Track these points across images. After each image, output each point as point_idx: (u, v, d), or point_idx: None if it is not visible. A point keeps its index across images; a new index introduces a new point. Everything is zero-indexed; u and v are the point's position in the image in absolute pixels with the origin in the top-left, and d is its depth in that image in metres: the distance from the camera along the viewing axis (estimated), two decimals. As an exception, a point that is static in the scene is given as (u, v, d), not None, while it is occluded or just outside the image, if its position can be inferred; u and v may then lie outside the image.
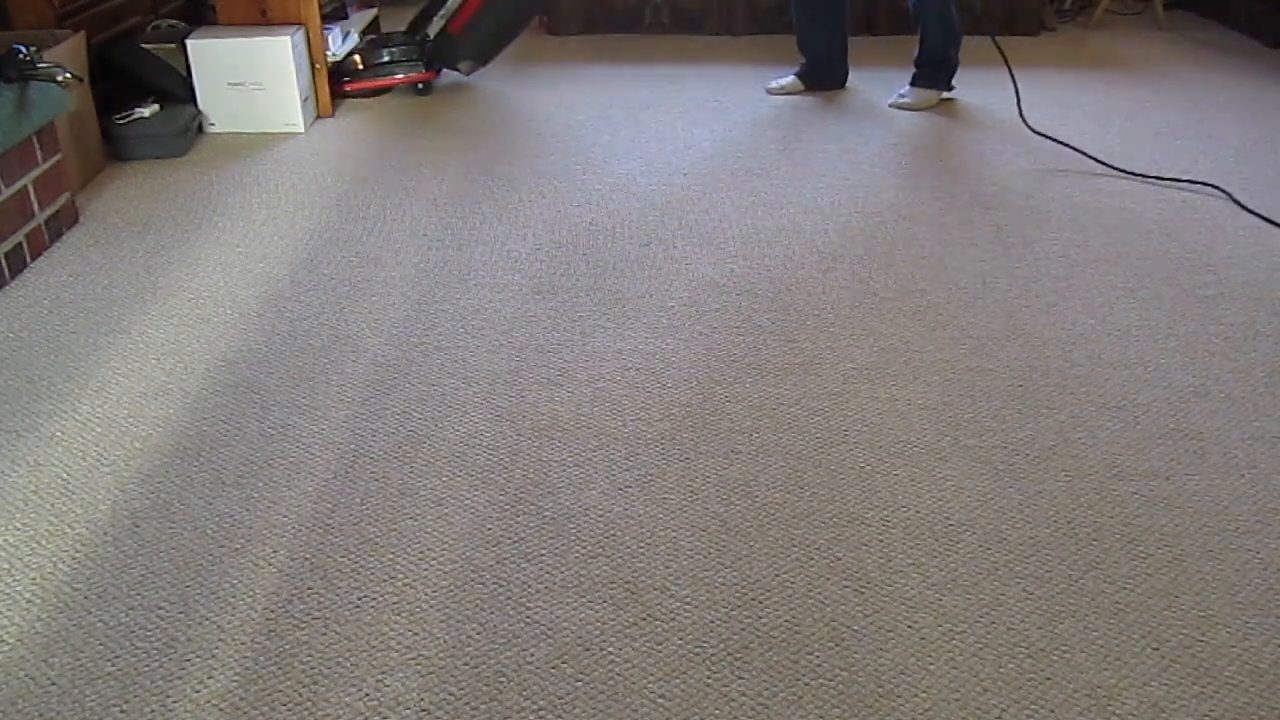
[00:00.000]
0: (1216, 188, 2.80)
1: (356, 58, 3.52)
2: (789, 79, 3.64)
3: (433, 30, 3.52)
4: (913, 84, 3.49)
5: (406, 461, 1.73)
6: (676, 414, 1.86)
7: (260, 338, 2.10)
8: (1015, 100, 3.27)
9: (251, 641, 1.38)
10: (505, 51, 3.75)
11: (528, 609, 1.44)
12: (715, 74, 3.84)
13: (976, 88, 3.66)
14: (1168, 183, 2.86)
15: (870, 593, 1.47)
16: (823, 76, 3.63)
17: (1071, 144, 3.06)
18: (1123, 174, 2.91)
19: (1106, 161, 2.98)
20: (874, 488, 1.68)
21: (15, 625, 1.41)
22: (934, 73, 3.46)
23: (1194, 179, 2.87)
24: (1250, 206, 2.70)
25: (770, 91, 3.63)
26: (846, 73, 3.66)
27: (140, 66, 3.14)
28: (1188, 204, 2.73)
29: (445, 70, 3.65)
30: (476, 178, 2.90)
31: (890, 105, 3.49)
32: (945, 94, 3.50)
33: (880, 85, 3.70)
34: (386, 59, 3.51)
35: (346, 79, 3.52)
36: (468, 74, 3.61)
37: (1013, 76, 3.31)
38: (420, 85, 3.57)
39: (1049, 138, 3.11)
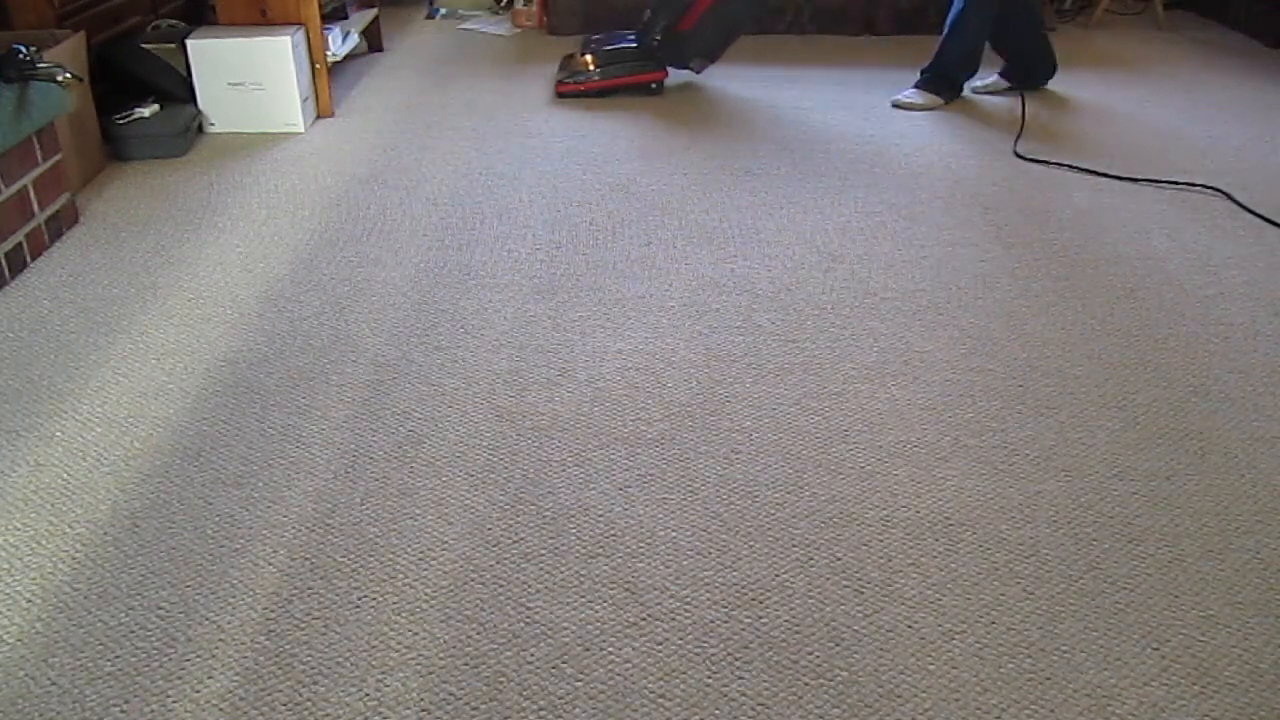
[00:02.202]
0: (1217, 190, 2.80)
1: (588, 58, 3.52)
2: (992, 78, 3.61)
3: (659, 29, 3.48)
4: (918, 86, 3.49)
5: (406, 461, 1.73)
6: (676, 414, 1.86)
7: (260, 338, 2.10)
8: (1019, 128, 3.26)
9: (251, 641, 1.38)
10: (505, 51, 3.75)
11: (528, 609, 1.44)
12: (715, 74, 3.84)
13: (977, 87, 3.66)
14: (1166, 185, 2.86)
15: (870, 593, 1.47)
16: (1029, 71, 3.58)
17: (1066, 162, 3.04)
18: (1121, 179, 2.91)
19: (1105, 173, 2.98)
20: (874, 488, 1.68)
21: (16, 625, 1.41)
22: (939, 83, 3.47)
23: (1193, 182, 2.87)
24: (1250, 206, 2.70)
25: (976, 91, 3.59)
26: (1054, 65, 3.58)
27: (140, 66, 3.14)
28: (1188, 204, 2.73)
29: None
30: (476, 178, 2.90)
31: (892, 104, 3.49)
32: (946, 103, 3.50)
33: (881, 85, 3.70)
34: (619, 59, 3.51)
35: (579, 79, 3.51)
36: (698, 71, 3.60)
37: (1023, 114, 3.33)
38: (653, 84, 3.55)
39: (1039, 161, 3.05)
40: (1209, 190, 2.81)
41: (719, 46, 3.55)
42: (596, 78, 3.50)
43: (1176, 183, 2.86)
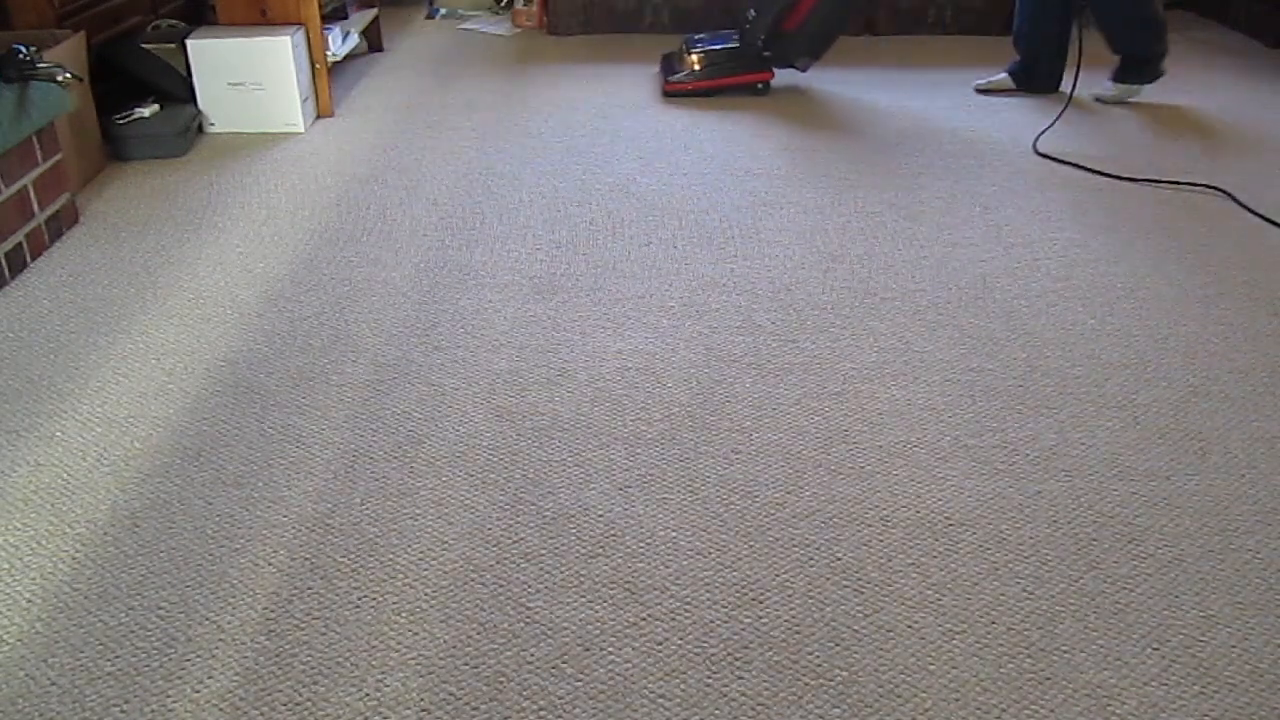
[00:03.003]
0: (1219, 190, 2.80)
1: (693, 57, 3.52)
2: (1000, 75, 3.61)
3: (765, 29, 3.48)
4: (1115, 79, 3.47)
5: (406, 461, 1.73)
6: (676, 414, 1.86)
7: (260, 338, 2.10)
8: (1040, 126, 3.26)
9: (251, 641, 1.38)
10: (505, 51, 3.75)
11: (528, 609, 1.44)
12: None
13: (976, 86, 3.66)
14: (1166, 185, 2.86)
15: (870, 593, 1.47)
16: (1034, 77, 3.57)
17: (1080, 163, 3.04)
18: (1124, 179, 2.91)
19: (1113, 174, 2.98)
20: (874, 488, 1.68)
21: (15, 625, 1.41)
22: (1137, 70, 3.43)
23: (1195, 181, 2.87)
24: (1250, 206, 2.70)
25: (978, 89, 3.59)
26: (1060, 77, 3.57)
27: (140, 66, 3.14)
28: (1188, 204, 2.73)
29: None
30: (476, 177, 2.90)
31: (1095, 98, 3.49)
32: (1147, 86, 3.46)
33: (880, 86, 3.70)
34: (726, 59, 3.52)
35: (687, 78, 3.52)
36: (803, 70, 3.60)
37: (1065, 108, 3.33)
38: (759, 85, 3.56)
39: (1058, 160, 3.06)
40: (1211, 190, 2.81)
41: (823, 45, 3.57)
42: (704, 77, 3.52)
43: (1178, 182, 2.86)
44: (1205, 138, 3.20)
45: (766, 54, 3.50)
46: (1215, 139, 3.18)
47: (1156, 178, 2.89)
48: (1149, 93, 3.51)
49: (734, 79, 3.54)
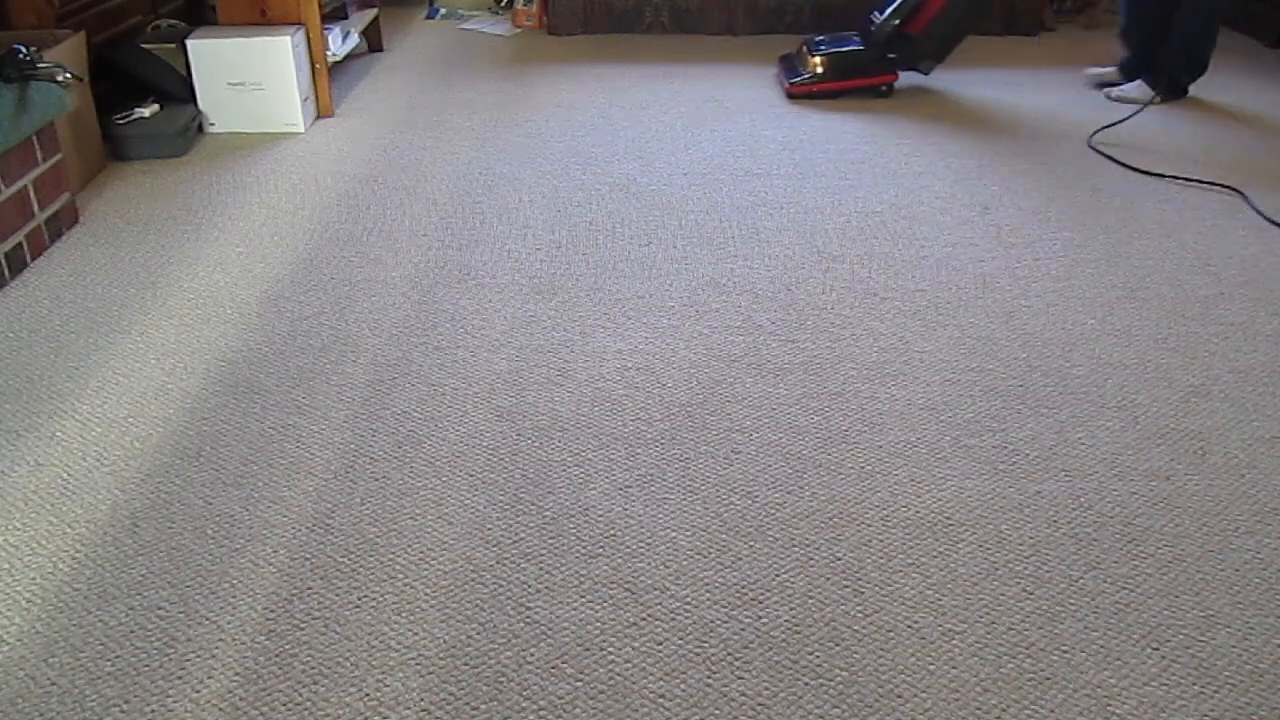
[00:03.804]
0: (1233, 189, 2.80)
1: (816, 60, 3.54)
2: (1110, 69, 3.61)
3: (888, 31, 3.49)
4: (1142, 80, 3.46)
5: (406, 461, 1.73)
6: (676, 414, 1.86)
7: (260, 338, 2.10)
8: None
9: (251, 641, 1.38)
10: (505, 51, 3.75)
11: (528, 609, 1.44)
12: (715, 74, 3.84)
13: (976, 87, 3.66)
14: (1170, 180, 2.86)
15: (870, 593, 1.47)
16: (1147, 70, 3.54)
17: (1133, 164, 3.04)
18: (1149, 175, 2.91)
19: (1143, 169, 2.98)
20: (874, 488, 1.68)
21: (15, 625, 1.41)
22: (1169, 85, 3.42)
23: (1208, 180, 2.87)
24: (1257, 207, 2.70)
25: (1110, 98, 3.55)
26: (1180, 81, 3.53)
27: (140, 66, 3.14)
28: (1188, 204, 2.73)
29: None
30: (476, 177, 2.90)
31: (1105, 94, 3.51)
32: (1159, 101, 3.46)
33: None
34: (851, 62, 3.53)
35: (812, 80, 3.53)
36: (926, 73, 3.61)
37: (1142, 109, 3.32)
38: (883, 87, 3.57)
39: (1114, 159, 3.02)
40: (1211, 190, 2.81)
41: (947, 48, 3.58)
42: (829, 79, 3.54)
43: (1189, 179, 2.86)
44: (1205, 137, 3.19)
45: (891, 56, 3.52)
46: (1215, 139, 3.18)
47: (1175, 174, 2.88)
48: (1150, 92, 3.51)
49: (859, 81, 3.56)
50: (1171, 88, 3.47)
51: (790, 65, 3.68)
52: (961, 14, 3.48)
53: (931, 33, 3.48)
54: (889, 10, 3.48)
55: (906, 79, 3.64)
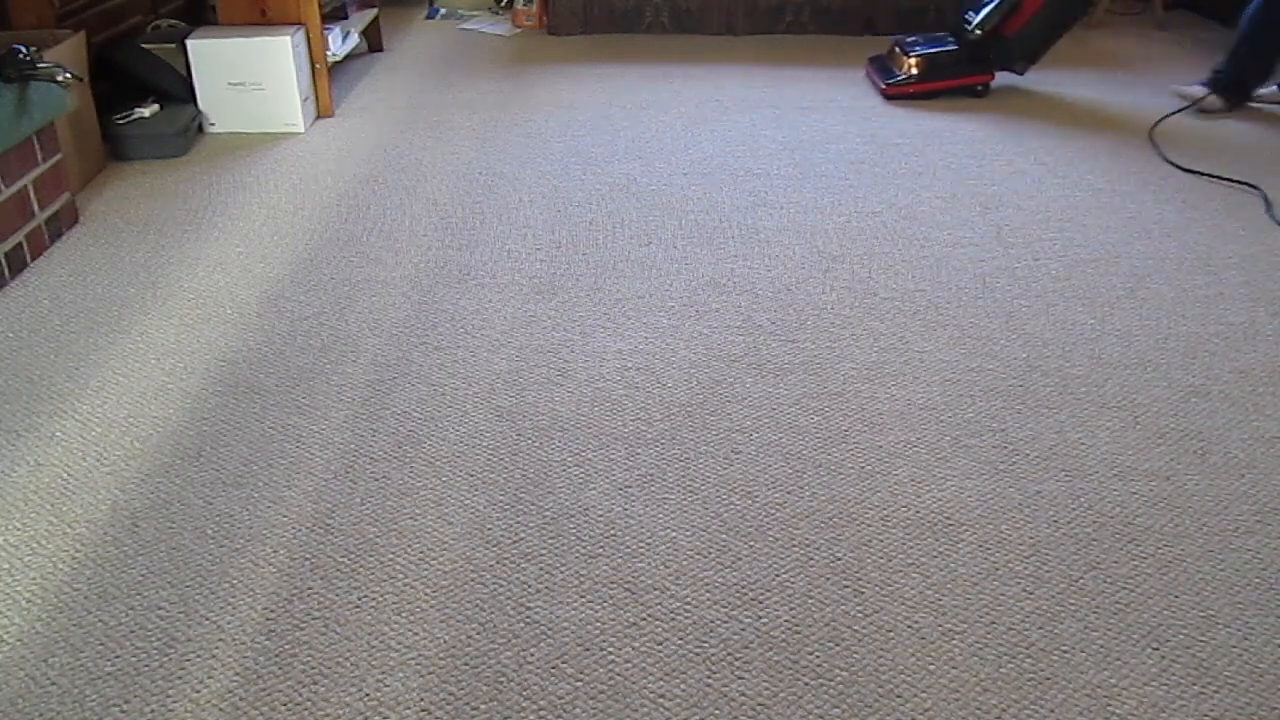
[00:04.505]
0: (1254, 187, 2.79)
1: (910, 60, 3.54)
2: (1197, 88, 3.54)
3: (984, 32, 3.49)
4: (1205, 82, 3.44)
5: (406, 461, 1.73)
6: (676, 414, 1.86)
7: (260, 338, 2.10)
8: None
9: (251, 641, 1.38)
10: (505, 51, 3.75)
11: (528, 609, 1.44)
12: (715, 74, 3.84)
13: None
14: (1171, 180, 2.86)
15: (870, 593, 1.47)
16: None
17: (1214, 172, 3.01)
18: (1185, 171, 2.91)
19: (1178, 163, 2.98)
20: (874, 488, 1.68)
21: (15, 625, 1.41)
22: (1225, 88, 3.40)
23: (1229, 178, 2.87)
24: (1271, 204, 2.70)
25: (1259, 101, 3.51)
26: (1245, 87, 3.48)
27: (140, 66, 3.14)
28: (1188, 204, 2.73)
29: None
30: (476, 177, 2.90)
31: (1173, 90, 3.51)
32: (1217, 105, 3.44)
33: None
34: (946, 62, 3.54)
35: (909, 81, 3.54)
36: (1020, 74, 3.63)
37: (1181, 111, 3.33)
38: (979, 87, 3.58)
39: (1195, 172, 2.98)
40: (1215, 190, 2.81)
41: (1042, 49, 3.58)
42: (925, 79, 3.55)
43: (1212, 175, 2.86)
44: (1205, 138, 3.19)
45: (987, 56, 3.53)
46: (1215, 139, 3.18)
47: (1199, 171, 2.89)
48: (1150, 92, 3.51)
49: (955, 81, 3.57)
50: (1237, 92, 3.43)
51: (883, 66, 3.68)
52: (1057, 15, 3.48)
53: (1027, 33, 3.49)
54: (985, 10, 3.49)
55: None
